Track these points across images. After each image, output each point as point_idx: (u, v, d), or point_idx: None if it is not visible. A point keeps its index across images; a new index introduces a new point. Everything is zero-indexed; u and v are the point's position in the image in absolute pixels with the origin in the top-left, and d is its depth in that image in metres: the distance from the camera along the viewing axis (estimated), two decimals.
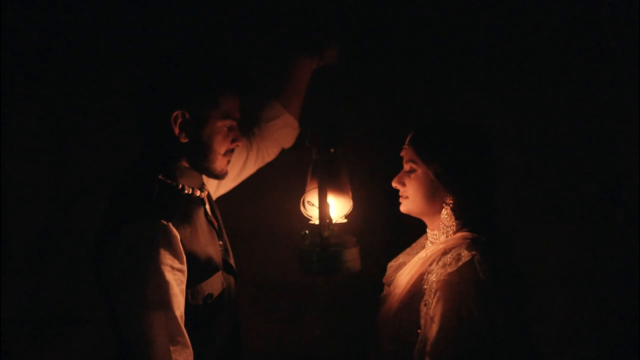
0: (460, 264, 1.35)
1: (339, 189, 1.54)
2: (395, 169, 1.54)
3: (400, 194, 1.56)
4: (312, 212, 1.55)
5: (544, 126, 2.02)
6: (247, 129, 1.83)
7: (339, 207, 1.54)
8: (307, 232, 1.54)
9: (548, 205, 2.03)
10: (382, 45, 2.16)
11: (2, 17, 2.03)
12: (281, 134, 1.87)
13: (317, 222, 1.51)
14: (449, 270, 1.35)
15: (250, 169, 1.87)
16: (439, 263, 1.40)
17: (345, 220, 1.57)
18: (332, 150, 1.50)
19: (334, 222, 1.49)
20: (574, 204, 2.01)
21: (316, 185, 1.51)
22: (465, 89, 2.08)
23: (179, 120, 1.42)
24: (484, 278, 1.33)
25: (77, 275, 2.08)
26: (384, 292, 1.58)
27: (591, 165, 1.99)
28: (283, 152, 1.93)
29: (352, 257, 1.48)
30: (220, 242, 1.59)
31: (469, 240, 1.40)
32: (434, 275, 1.39)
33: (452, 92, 2.10)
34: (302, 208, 1.58)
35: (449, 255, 1.39)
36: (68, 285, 2.12)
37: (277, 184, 2.18)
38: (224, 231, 1.65)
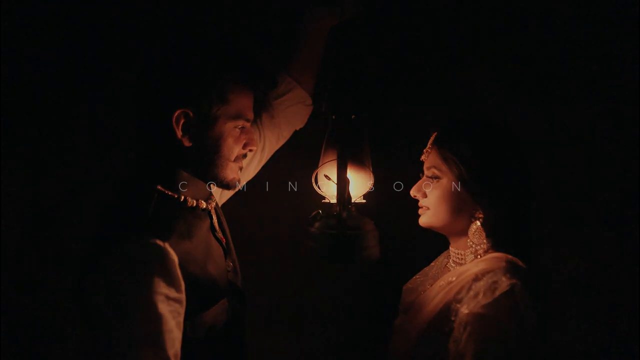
0: (497, 294, 1.16)
1: (359, 163, 1.33)
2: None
3: (419, 204, 1.37)
4: (326, 189, 1.34)
5: (564, 130, 1.88)
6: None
7: (358, 185, 1.33)
8: (319, 212, 1.31)
9: (569, 213, 1.89)
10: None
11: None
12: (292, 112, 1.64)
13: (332, 200, 1.29)
14: (483, 301, 1.17)
15: (256, 167, 1.65)
16: (470, 292, 1.21)
17: (364, 201, 1.35)
18: (353, 116, 1.29)
19: (352, 201, 1.28)
20: (595, 211, 1.87)
21: (332, 158, 1.31)
22: (481, 89, 1.93)
23: (182, 121, 1.22)
24: (527, 313, 1.14)
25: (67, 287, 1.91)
26: (399, 320, 1.38)
27: (613, 172, 1.85)
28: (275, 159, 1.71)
29: (371, 242, 1.26)
30: (230, 263, 1.38)
31: (504, 264, 1.22)
32: (464, 307, 1.20)
33: (468, 90, 1.94)
34: (314, 184, 1.36)
35: (481, 283, 1.20)
36: (57, 298, 1.95)
37: (273, 188, 1.97)
38: (232, 249, 1.42)
